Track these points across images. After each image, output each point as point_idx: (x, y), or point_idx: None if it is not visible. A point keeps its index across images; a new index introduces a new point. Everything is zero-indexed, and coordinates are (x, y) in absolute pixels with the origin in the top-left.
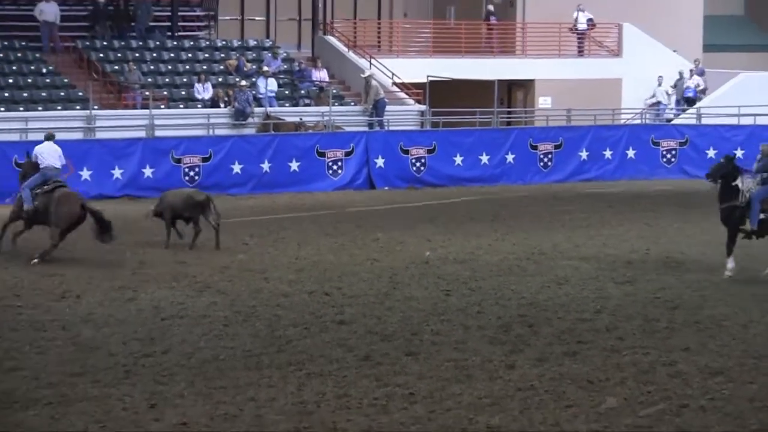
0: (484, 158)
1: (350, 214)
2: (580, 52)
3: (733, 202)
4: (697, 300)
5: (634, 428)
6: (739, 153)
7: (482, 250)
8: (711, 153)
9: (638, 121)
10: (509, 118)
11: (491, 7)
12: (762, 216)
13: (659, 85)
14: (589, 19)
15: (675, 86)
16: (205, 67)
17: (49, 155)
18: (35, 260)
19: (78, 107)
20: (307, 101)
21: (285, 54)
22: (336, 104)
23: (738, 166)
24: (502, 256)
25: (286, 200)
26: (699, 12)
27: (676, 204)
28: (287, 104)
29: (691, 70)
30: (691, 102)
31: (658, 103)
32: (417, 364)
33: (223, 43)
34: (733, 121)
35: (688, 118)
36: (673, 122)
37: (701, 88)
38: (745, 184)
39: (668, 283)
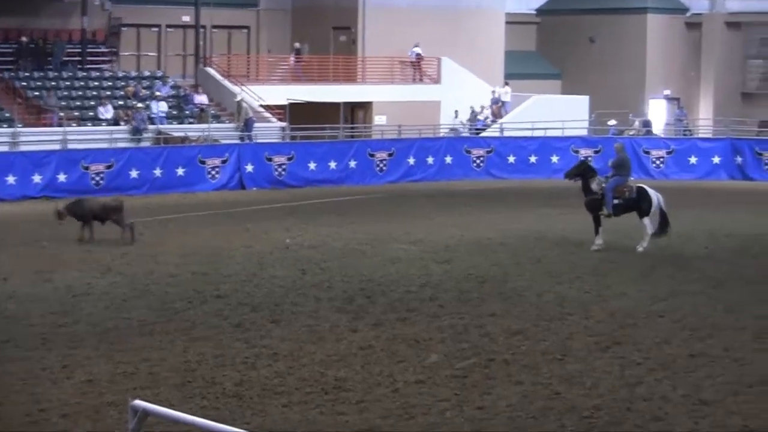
0: (333, 164)
1: (226, 210)
2: (413, 80)
3: (593, 195)
4: (502, 276)
5: (452, 378)
6: (533, 159)
7: (331, 237)
8: (511, 159)
9: (453, 134)
10: (352, 132)
11: (297, 45)
12: (615, 201)
13: (456, 117)
14: (418, 54)
15: (470, 118)
16: (108, 93)
17: None
18: None
19: (5, 126)
20: (191, 120)
21: (173, 82)
22: (214, 122)
23: (591, 167)
24: (346, 242)
25: (174, 199)
26: (501, 48)
27: (484, 200)
28: (175, 122)
29: (493, 99)
30: (481, 131)
31: (456, 128)
32: (279, 330)
33: (123, 73)
34: (528, 133)
35: (493, 131)
36: (481, 135)
37: (490, 119)
38: (595, 184)
39: (478, 263)
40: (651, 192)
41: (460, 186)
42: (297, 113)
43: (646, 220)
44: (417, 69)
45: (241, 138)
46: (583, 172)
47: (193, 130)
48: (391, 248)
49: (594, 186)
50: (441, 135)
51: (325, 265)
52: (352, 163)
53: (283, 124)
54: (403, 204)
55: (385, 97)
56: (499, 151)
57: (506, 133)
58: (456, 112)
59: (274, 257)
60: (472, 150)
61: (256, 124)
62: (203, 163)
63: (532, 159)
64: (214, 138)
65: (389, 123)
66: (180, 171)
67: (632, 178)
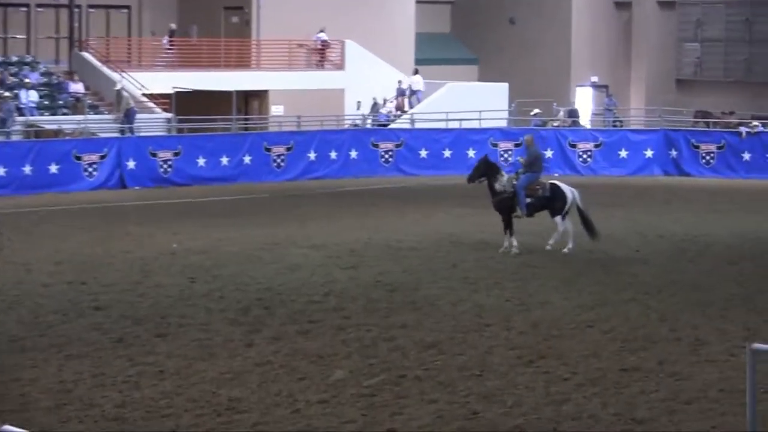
0: (224, 160)
1: (105, 211)
2: (314, 66)
3: (501, 194)
4: (413, 283)
5: (359, 397)
6: (447, 153)
7: (224, 241)
8: (423, 153)
9: (359, 125)
10: (246, 124)
11: (173, 26)
12: (528, 200)
13: (357, 108)
14: (324, 41)
15: (372, 111)
16: None
17: None
18: None
19: None
20: (65, 111)
21: (44, 68)
22: (91, 113)
23: (496, 164)
24: (241, 247)
25: (47, 200)
26: (411, 30)
27: (394, 199)
28: (47, 113)
29: (399, 91)
30: (384, 125)
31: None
32: (166, 345)
33: None
34: (442, 125)
35: (402, 123)
36: (390, 127)
37: (393, 114)
38: (501, 182)
39: (388, 268)
40: (565, 188)
41: (367, 183)
42: (184, 103)
43: (559, 219)
44: (320, 55)
45: (122, 131)
46: (485, 171)
47: (67, 122)
48: (290, 253)
49: (498, 186)
50: (345, 127)
51: (217, 272)
52: (247, 159)
53: (169, 115)
54: (303, 204)
55: (283, 85)
56: (409, 145)
57: (418, 125)
58: (358, 103)
59: (159, 264)
60: (380, 144)
61: (139, 116)
62: (79, 159)
63: (447, 153)
64: (91, 131)
65: (287, 114)
66: (53, 168)
67: (557, 174)
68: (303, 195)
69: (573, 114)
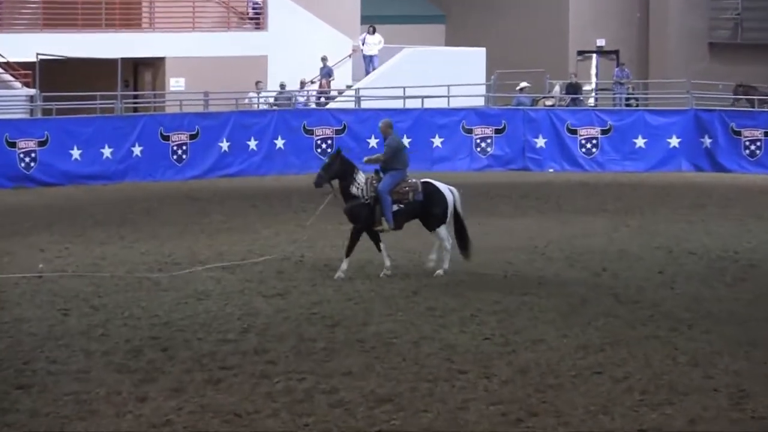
0: (107, 151)
1: None
2: (225, 26)
3: (356, 200)
4: (361, 315)
5: None
6: (406, 141)
7: (107, 260)
8: (373, 142)
9: (288, 106)
10: (136, 103)
11: None
12: (395, 207)
13: (282, 90)
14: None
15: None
16: None
17: None
18: None
19: None
20: None
21: None
22: None
23: (349, 160)
24: (130, 267)
25: None
26: None
27: (333, 202)
28: None
29: (325, 71)
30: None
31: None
32: (30, 399)
33: None
34: (398, 104)
35: (346, 101)
36: (328, 107)
37: (314, 97)
38: (358, 184)
39: (326, 296)
40: (443, 188)
41: (298, 182)
42: (53, 75)
43: (443, 231)
44: (235, 11)
45: None
46: (339, 171)
47: None
48: (196, 277)
49: (354, 188)
50: (269, 107)
51: (98, 301)
52: (136, 149)
53: (32, 91)
54: (212, 210)
55: (184, 51)
56: (354, 131)
57: (365, 104)
58: (282, 85)
59: (20, 291)
60: (316, 129)
61: None
62: None
63: (404, 142)
64: None
65: (191, 89)
66: None
67: (552, 170)
68: (213, 197)
69: (572, 89)
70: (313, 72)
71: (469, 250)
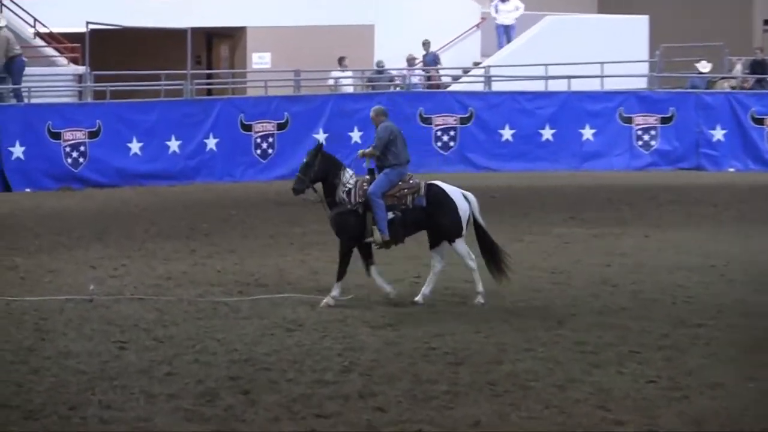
0: (173, 144)
1: None
2: None
3: (343, 206)
4: (492, 350)
5: None
6: (546, 134)
7: (173, 280)
8: (506, 133)
9: (399, 87)
10: (210, 84)
11: None
12: (390, 216)
13: (379, 67)
14: None
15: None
16: None
17: None
18: None
19: None
20: None
21: None
22: None
23: (333, 158)
24: (202, 290)
25: None
26: None
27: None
28: None
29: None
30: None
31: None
32: None
33: None
34: (538, 85)
35: (472, 82)
36: (451, 89)
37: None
38: (344, 186)
39: (448, 326)
40: (453, 192)
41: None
42: (106, 50)
43: (461, 246)
44: None
45: (1, 95)
46: (323, 171)
47: None
48: (285, 301)
49: (340, 192)
50: (376, 88)
51: (163, 332)
52: (211, 142)
53: (81, 69)
54: (305, 218)
55: (269, 20)
56: (483, 119)
57: (498, 86)
58: (379, 64)
59: (65, 318)
60: (435, 117)
61: (29, 70)
62: None
63: (546, 134)
64: None
65: (278, 67)
66: None
67: (733, 169)
68: (304, 203)
69: (758, 68)
70: (430, 46)
71: (503, 271)
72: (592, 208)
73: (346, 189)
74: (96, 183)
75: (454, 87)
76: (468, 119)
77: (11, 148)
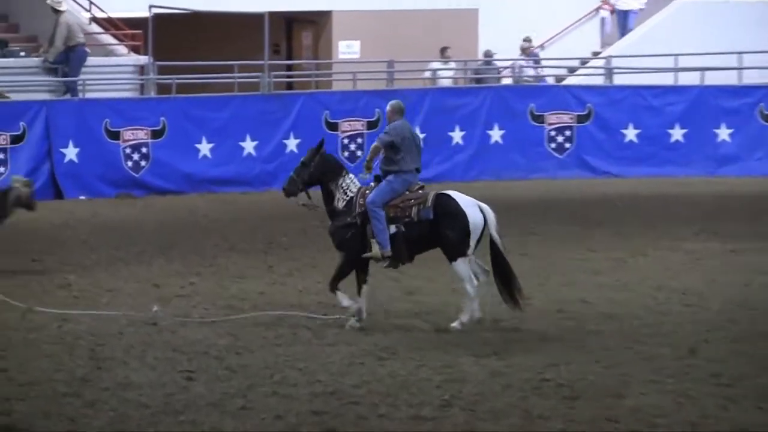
0: (248, 145)
1: (20, 242)
2: None
3: (344, 218)
4: (613, 382)
5: None
6: (676, 134)
7: (248, 301)
8: (630, 134)
9: (507, 81)
10: (290, 77)
11: None
12: (392, 229)
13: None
14: None
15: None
16: None
17: None
18: None
19: None
20: None
21: None
22: None
23: (333, 159)
24: (282, 311)
25: None
26: None
27: (585, 221)
28: None
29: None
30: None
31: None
32: None
33: None
34: (667, 78)
35: (590, 75)
36: (566, 83)
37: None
38: (344, 194)
39: (562, 355)
40: (465, 204)
41: (529, 189)
42: (171, 37)
43: (462, 267)
44: None
45: (57, 89)
46: (319, 172)
47: None
48: (376, 324)
49: (339, 200)
50: (481, 82)
51: (236, 360)
52: (291, 143)
53: (143, 59)
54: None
55: (358, 3)
56: (603, 117)
57: (620, 79)
58: (488, 53)
59: (125, 344)
60: (548, 115)
61: (91, 59)
62: None
63: (675, 134)
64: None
65: (368, 57)
66: None
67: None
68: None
69: None
70: (542, 33)
71: (517, 300)
72: (728, 219)
73: (346, 197)
74: (159, 189)
75: (570, 80)
76: (586, 117)
77: (63, 150)
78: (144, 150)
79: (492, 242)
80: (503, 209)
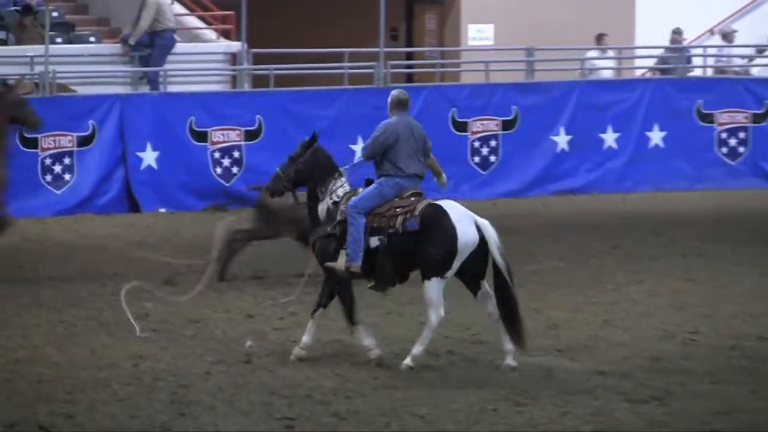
0: (358, 146)
1: (90, 261)
2: None
3: (325, 228)
4: None
5: None
6: None
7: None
8: None
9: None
10: (410, 67)
11: None
12: (375, 242)
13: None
14: None
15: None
16: None
17: None
18: None
19: None
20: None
21: None
22: (60, 41)
23: (329, 158)
24: (397, 347)
25: None
26: None
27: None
28: None
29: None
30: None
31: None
32: None
33: None
34: None
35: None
36: (740, 75)
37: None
38: (330, 197)
39: (736, 400)
40: (458, 217)
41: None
42: (268, 20)
43: (433, 290)
44: None
45: (135, 81)
46: (308, 170)
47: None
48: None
49: (323, 207)
50: (640, 74)
51: (346, 405)
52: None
53: (235, 45)
54: (539, 250)
55: None
56: None
57: None
58: (676, 31)
59: (211, 386)
60: (718, 114)
61: (180, 46)
62: (35, 144)
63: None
64: (60, 82)
65: (502, 43)
66: None
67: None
68: (539, 231)
69: None
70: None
71: (520, 334)
72: None
73: (331, 201)
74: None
75: (755, 70)
76: (764, 116)
77: (140, 154)
78: (236, 154)
79: (495, 266)
80: (664, 225)
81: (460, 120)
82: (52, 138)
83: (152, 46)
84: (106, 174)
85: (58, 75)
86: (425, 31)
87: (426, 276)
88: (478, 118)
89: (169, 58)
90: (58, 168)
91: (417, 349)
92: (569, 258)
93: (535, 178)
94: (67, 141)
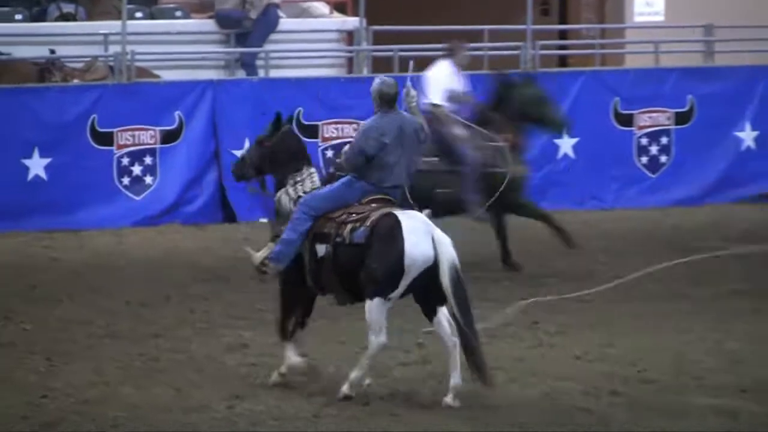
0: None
1: (180, 287)
2: None
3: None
4: None
5: None
6: None
7: (501, 368)
8: None
9: None
10: (564, 48)
11: None
12: (322, 250)
13: None
14: None
15: None
16: None
17: None
18: None
19: None
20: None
21: None
22: (140, 16)
23: (300, 142)
24: (550, 386)
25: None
26: None
27: None
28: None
29: None
30: None
31: None
32: None
33: None
34: None
35: None
36: None
37: None
38: (294, 192)
39: None
40: (412, 230)
41: None
42: None
43: (375, 311)
44: None
45: (229, 63)
46: (273, 155)
47: (63, 41)
48: (690, 407)
49: (285, 201)
50: None
51: None
52: (565, 146)
53: (352, 21)
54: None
55: None
56: None
57: None
58: None
59: None
60: None
61: (285, 22)
62: (107, 141)
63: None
64: (138, 65)
65: (676, 20)
66: (33, 164)
67: None
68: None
69: None
70: None
71: (483, 370)
72: None
73: (296, 196)
74: None
75: None
76: None
77: (237, 152)
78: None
79: (456, 297)
80: None
81: (623, 112)
82: (129, 133)
83: (253, 24)
84: (195, 176)
85: (137, 57)
86: (582, 5)
87: (368, 295)
88: (646, 110)
89: (272, 37)
90: (137, 169)
91: (354, 375)
92: (756, 279)
93: (715, 183)
94: (148, 137)
